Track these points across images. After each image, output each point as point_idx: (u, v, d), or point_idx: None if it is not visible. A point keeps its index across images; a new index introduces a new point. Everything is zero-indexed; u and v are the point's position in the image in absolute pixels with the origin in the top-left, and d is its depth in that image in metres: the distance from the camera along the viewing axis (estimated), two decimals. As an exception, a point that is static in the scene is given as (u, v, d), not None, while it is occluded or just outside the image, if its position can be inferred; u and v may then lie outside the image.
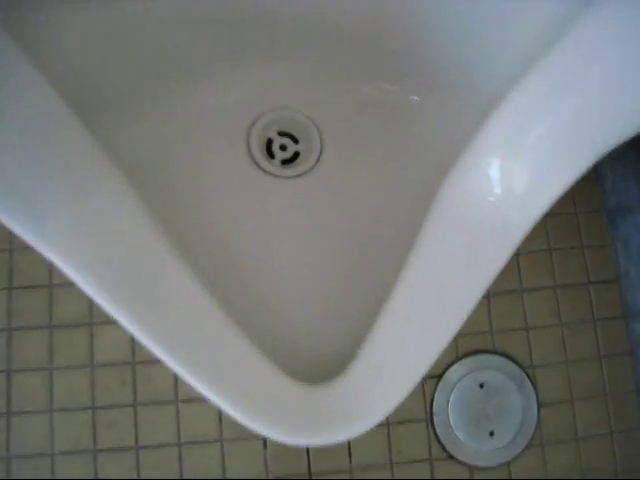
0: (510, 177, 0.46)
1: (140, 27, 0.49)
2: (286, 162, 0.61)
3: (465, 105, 0.58)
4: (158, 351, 0.40)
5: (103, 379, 0.74)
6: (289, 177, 0.60)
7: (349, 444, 0.74)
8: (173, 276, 0.43)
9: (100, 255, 0.40)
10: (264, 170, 0.60)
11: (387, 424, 0.75)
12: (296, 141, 0.62)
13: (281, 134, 0.62)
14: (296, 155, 0.62)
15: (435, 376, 0.76)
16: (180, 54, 0.54)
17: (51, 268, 0.74)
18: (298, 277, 0.55)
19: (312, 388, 0.43)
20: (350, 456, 0.74)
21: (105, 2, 0.46)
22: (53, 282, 0.75)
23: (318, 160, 0.60)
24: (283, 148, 0.62)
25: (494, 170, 0.47)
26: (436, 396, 0.76)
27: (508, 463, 0.76)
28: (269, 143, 0.62)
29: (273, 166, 0.60)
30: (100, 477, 0.72)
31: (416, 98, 0.60)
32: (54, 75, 0.40)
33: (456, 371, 0.76)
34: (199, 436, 0.73)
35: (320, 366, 0.48)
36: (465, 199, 0.47)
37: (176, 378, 0.74)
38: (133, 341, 0.74)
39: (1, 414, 0.73)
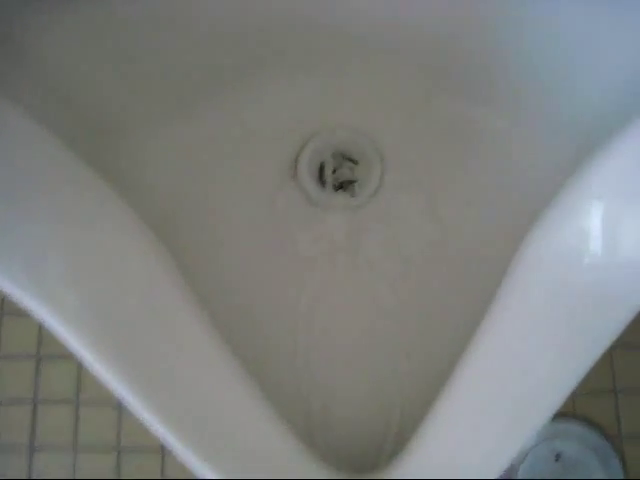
0: (617, 233, 0.36)
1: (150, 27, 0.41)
2: (340, 190, 0.53)
3: (563, 138, 0.47)
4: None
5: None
6: (341, 208, 0.52)
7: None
8: (194, 341, 0.36)
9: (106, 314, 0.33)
10: (312, 200, 0.52)
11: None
12: (354, 166, 0.54)
13: (335, 157, 0.54)
14: (352, 183, 0.54)
15: (504, 440, 0.65)
16: (211, 60, 0.46)
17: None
18: (340, 338, 0.47)
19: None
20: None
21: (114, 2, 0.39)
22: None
23: (377, 189, 0.52)
24: (337, 174, 0.54)
25: (595, 222, 0.37)
26: (503, 463, 0.66)
27: None
28: (321, 168, 0.54)
29: (325, 194, 0.52)
30: None
31: (502, 124, 0.49)
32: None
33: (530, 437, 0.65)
34: None
35: (361, 451, 0.40)
36: (556, 259, 0.37)
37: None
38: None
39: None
